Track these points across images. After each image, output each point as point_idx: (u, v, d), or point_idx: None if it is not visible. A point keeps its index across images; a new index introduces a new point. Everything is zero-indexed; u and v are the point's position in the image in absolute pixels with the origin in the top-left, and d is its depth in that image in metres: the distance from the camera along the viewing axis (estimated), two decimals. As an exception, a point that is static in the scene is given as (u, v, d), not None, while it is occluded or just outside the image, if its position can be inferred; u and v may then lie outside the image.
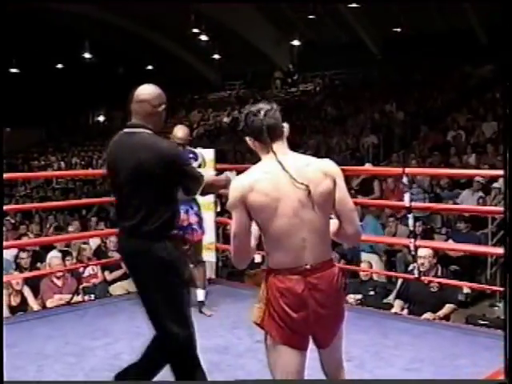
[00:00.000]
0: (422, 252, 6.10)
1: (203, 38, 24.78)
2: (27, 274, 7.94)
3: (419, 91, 19.13)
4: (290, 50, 26.15)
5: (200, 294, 5.62)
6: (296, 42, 25.04)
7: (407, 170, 5.61)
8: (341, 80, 24.38)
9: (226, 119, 24.90)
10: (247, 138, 2.91)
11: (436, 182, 12.09)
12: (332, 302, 2.84)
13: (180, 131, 5.55)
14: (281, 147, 2.90)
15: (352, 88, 22.39)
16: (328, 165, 2.88)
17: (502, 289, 7.30)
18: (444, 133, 15.53)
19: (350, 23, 22.61)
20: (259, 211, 2.78)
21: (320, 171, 2.82)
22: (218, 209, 7.10)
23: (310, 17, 22.65)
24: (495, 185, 11.06)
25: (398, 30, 22.69)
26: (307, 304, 2.77)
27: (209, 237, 6.52)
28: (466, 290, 8.29)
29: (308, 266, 2.76)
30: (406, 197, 5.42)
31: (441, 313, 6.18)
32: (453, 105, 17.50)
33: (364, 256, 9.07)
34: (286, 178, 2.77)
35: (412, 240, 5.49)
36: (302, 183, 2.75)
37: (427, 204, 9.28)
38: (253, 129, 2.88)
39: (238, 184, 2.82)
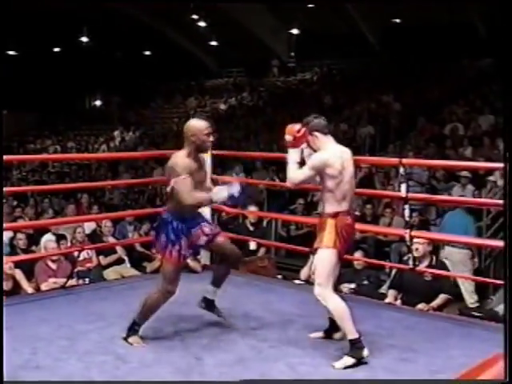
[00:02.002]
0: (415, 242, 6.12)
1: (201, 24, 24.66)
2: (22, 257, 7.94)
3: (417, 83, 19.13)
4: (288, 39, 26.10)
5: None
6: (295, 31, 24.98)
7: (404, 160, 5.62)
8: (338, 70, 24.35)
9: (222, 106, 24.88)
10: (315, 133, 4.48)
11: (432, 174, 12.12)
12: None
13: None
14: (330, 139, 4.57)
15: (349, 78, 22.37)
16: (349, 151, 4.60)
17: (495, 281, 7.36)
18: (441, 125, 15.55)
19: (349, 13, 22.54)
20: (334, 177, 4.37)
21: (350, 155, 4.57)
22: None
23: (310, 6, 22.62)
24: (491, 178, 11.09)
25: (397, 20, 22.69)
26: (354, 233, 4.67)
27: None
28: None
29: (355, 212, 4.80)
30: (403, 187, 5.44)
31: (434, 303, 6.19)
32: (450, 97, 17.51)
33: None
34: (346, 156, 4.50)
35: (407, 231, 5.52)
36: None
37: (424, 195, 9.28)
38: (321, 126, 4.52)
39: (323, 157, 4.40)
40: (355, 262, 7.65)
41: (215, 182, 5.66)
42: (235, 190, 4.52)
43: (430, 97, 17.94)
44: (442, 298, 6.26)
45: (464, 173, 11.06)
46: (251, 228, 9.49)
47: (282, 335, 4.88)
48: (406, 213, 5.56)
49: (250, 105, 24.12)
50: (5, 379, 3.51)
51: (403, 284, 6.49)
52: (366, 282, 7.66)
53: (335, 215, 4.39)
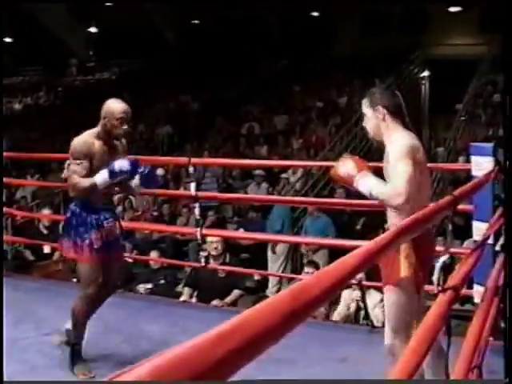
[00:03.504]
0: (209, 240, 6.27)
1: (-8, 19, 23.66)
2: None
3: (214, 82, 19.47)
4: (87, 37, 25.66)
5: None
6: (93, 29, 24.63)
7: (193, 160, 5.73)
8: (137, 69, 24.27)
9: (17, 106, 24.00)
10: (381, 110, 3.20)
11: (228, 172, 12.40)
12: None
13: None
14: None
15: (148, 77, 22.37)
16: None
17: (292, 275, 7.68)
18: (238, 124, 15.95)
19: (148, 12, 22.53)
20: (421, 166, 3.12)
21: None
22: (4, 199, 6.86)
23: (108, 4, 22.39)
24: (284, 175, 11.52)
25: (196, 21, 23.01)
26: None
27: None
28: (256, 277, 8.57)
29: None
30: (192, 186, 5.54)
31: (228, 299, 6.37)
32: (247, 97, 18.00)
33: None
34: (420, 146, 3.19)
35: (198, 229, 5.62)
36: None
37: (214, 193, 9.46)
38: (393, 104, 3.22)
39: (410, 142, 3.12)
40: (151, 262, 7.69)
41: None
42: (117, 165, 3.97)
43: (228, 96, 18.36)
44: (235, 293, 6.45)
45: (258, 171, 11.42)
46: (45, 231, 9.26)
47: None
48: (196, 211, 5.66)
49: (47, 105, 23.45)
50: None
51: (198, 282, 6.62)
52: (162, 282, 7.72)
53: None
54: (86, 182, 3.97)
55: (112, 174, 3.94)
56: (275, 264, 8.87)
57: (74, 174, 3.98)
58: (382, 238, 1.46)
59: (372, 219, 8.77)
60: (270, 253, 8.89)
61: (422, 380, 3.36)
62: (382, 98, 3.24)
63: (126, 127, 4.06)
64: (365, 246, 1.32)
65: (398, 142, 3.13)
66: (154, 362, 0.68)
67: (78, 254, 4.06)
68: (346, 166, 3.23)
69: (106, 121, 4.02)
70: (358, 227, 9.67)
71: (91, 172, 3.99)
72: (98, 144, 4.04)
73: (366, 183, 3.11)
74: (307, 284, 1.00)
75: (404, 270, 3.04)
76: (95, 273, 4.07)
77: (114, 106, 4.05)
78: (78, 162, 3.97)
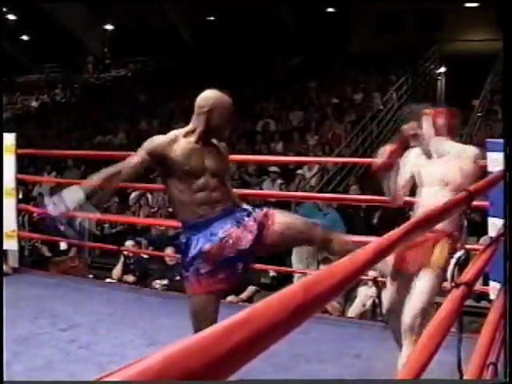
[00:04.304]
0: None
1: (11, 17, 23.80)
2: None
3: (230, 80, 19.48)
4: (102, 35, 25.74)
5: None
6: (109, 27, 24.70)
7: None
8: (153, 66, 24.33)
9: (34, 103, 24.11)
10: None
11: (244, 168, 12.41)
12: None
13: None
14: None
15: (164, 75, 22.41)
16: None
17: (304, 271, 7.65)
18: (253, 121, 15.95)
19: (164, 9, 22.58)
20: None
21: None
22: (20, 195, 6.90)
23: (124, 1, 22.47)
24: (299, 171, 11.53)
25: (212, 18, 23.03)
26: None
27: (9, 224, 6.35)
28: (272, 274, 8.57)
29: None
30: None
31: (244, 295, 6.38)
32: (262, 94, 18.00)
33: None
34: None
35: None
36: None
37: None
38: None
39: None
40: (167, 258, 7.71)
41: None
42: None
43: (243, 93, 18.36)
44: (250, 289, 6.46)
45: (273, 168, 11.43)
46: (62, 228, 9.29)
47: (91, 335, 4.85)
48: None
49: (63, 102, 23.56)
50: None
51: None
52: (178, 278, 7.72)
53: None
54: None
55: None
56: (299, 264, 8.80)
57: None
58: (394, 233, 1.47)
59: (388, 214, 8.82)
60: (294, 251, 8.84)
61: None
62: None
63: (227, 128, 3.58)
64: (376, 240, 1.33)
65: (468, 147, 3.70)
66: (164, 352, 0.69)
67: (190, 289, 3.41)
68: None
69: (205, 116, 3.46)
70: (375, 221, 9.68)
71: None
72: (184, 143, 3.49)
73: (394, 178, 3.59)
74: (320, 277, 1.01)
75: (441, 258, 3.31)
76: (209, 310, 3.34)
77: (214, 94, 3.54)
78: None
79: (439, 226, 3.16)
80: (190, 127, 3.51)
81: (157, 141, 3.43)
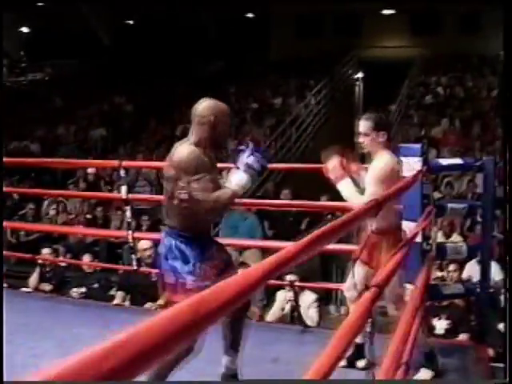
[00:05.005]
0: (141, 244, 6.21)
1: None
2: None
3: (148, 84, 19.33)
4: (18, 37, 25.20)
5: None
6: (25, 29, 24.21)
7: (124, 163, 5.67)
8: (71, 70, 23.93)
9: None
10: (381, 133, 3.86)
11: (162, 175, 12.30)
12: None
13: None
14: None
15: (82, 78, 22.07)
16: None
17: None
18: (172, 126, 15.86)
19: (82, 12, 22.26)
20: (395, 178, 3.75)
21: None
22: None
23: (40, 4, 22.05)
24: (218, 177, 11.49)
25: (130, 22, 22.85)
26: None
27: None
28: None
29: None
30: (123, 189, 5.48)
31: (161, 301, 6.31)
32: (181, 98, 17.91)
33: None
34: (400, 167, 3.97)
35: (130, 232, 5.56)
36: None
37: (147, 196, 9.39)
38: (390, 127, 4.22)
39: (392, 162, 3.89)
40: (84, 266, 7.57)
41: None
42: (251, 158, 3.36)
43: (163, 98, 18.24)
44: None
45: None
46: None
47: (6, 346, 4.71)
48: (128, 214, 5.60)
49: (-24, 106, 22.93)
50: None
51: (130, 285, 6.55)
52: (96, 286, 7.60)
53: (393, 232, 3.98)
54: (224, 194, 3.34)
55: (253, 169, 3.37)
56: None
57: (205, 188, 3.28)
58: (295, 245, 1.44)
59: (317, 219, 8.94)
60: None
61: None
62: (386, 125, 4.12)
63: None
64: (272, 256, 1.29)
65: (383, 160, 3.83)
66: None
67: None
68: (330, 166, 3.84)
69: (211, 125, 3.39)
70: (303, 227, 9.73)
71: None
72: (203, 155, 3.37)
73: (342, 190, 3.79)
74: (206, 296, 0.98)
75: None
76: None
77: (221, 104, 3.52)
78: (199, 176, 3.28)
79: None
80: (193, 139, 3.41)
81: (196, 160, 3.32)
